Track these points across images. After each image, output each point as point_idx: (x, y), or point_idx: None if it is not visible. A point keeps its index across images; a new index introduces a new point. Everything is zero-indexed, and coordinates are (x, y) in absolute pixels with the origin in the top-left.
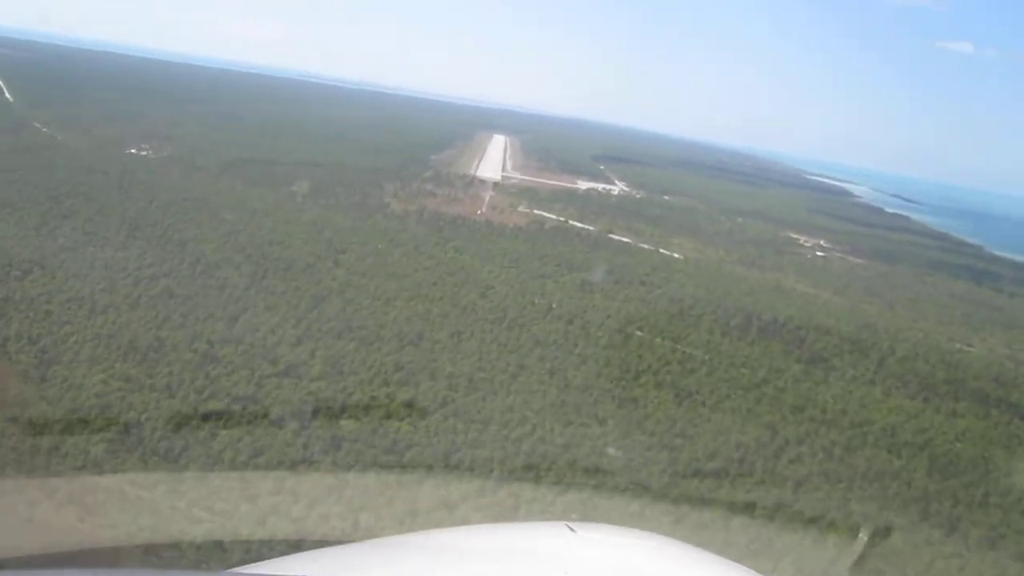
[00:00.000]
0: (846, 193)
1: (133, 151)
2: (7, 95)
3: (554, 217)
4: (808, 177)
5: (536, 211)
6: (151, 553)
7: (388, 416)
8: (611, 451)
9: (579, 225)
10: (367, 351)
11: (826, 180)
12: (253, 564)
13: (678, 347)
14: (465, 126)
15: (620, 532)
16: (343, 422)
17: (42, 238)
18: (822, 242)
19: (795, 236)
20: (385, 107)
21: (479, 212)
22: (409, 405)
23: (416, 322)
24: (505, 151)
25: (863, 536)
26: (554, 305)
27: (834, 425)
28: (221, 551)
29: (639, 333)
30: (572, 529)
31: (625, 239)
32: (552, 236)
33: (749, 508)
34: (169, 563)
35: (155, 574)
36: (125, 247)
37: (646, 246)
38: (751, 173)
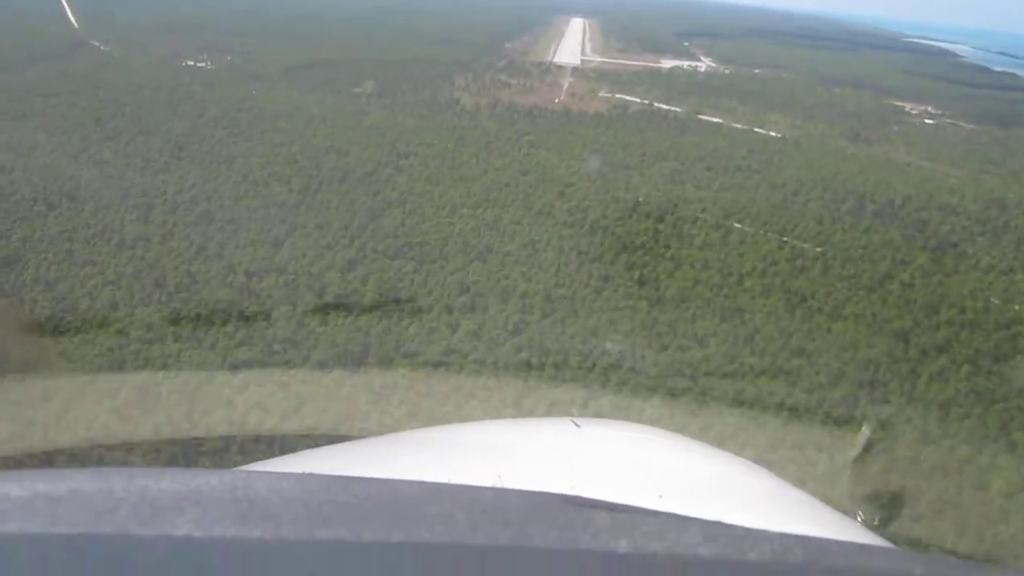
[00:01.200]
0: (948, 53)
1: (190, 63)
2: (70, 17)
3: (638, 100)
4: (904, 40)
5: (618, 95)
6: (159, 450)
7: (449, 351)
8: (717, 380)
9: (665, 107)
10: (428, 271)
11: (924, 41)
12: (259, 462)
13: (785, 241)
14: (540, 10)
15: (626, 427)
16: (394, 365)
17: (78, 166)
18: (929, 108)
19: (899, 104)
20: None
21: (557, 100)
22: (476, 335)
23: (485, 233)
24: (583, 34)
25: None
26: (641, 200)
27: (978, 327)
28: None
29: (738, 226)
30: (578, 425)
31: (716, 119)
32: (636, 121)
33: (890, 446)
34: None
35: (165, 471)
36: (166, 169)
37: (739, 126)
38: (843, 39)
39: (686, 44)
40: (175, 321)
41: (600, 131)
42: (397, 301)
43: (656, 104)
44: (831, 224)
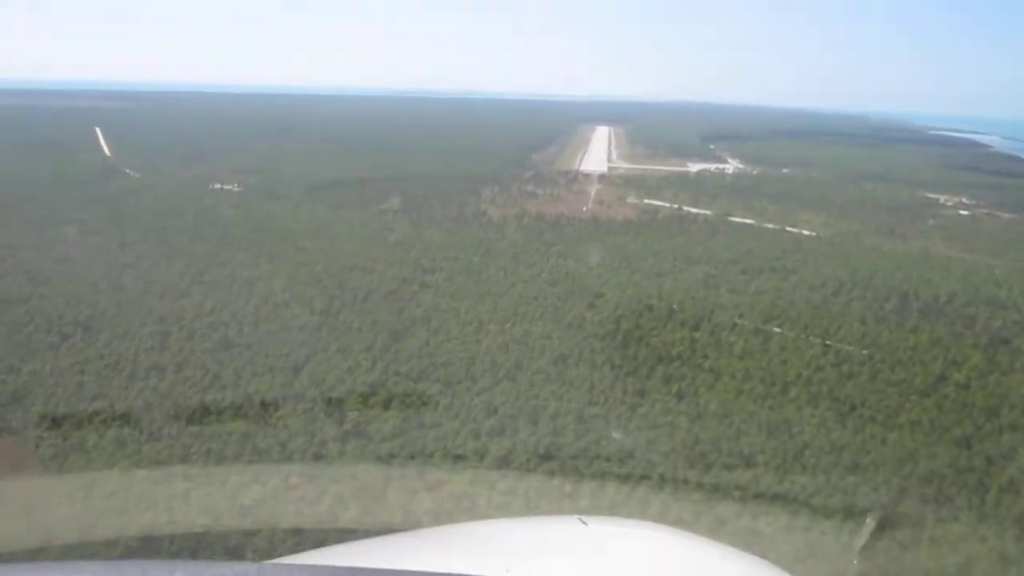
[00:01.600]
0: (975, 144)
1: (217, 186)
2: (103, 146)
3: (667, 205)
4: (929, 133)
5: (647, 200)
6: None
7: (476, 480)
8: (767, 504)
9: (694, 211)
10: (453, 393)
11: (950, 134)
12: (278, 558)
13: (828, 345)
14: (566, 120)
15: (631, 524)
16: (418, 491)
17: (96, 293)
18: (963, 199)
19: (932, 196)
20: (484, 114)
21: (584, 209)
22: (505, 461)
23: (513, 350)
24: (609, 141)
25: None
26: (675, 307)
27: None
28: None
29: (778, 331)
30: (584, 523)
31: (747, 220)
32: (666, 226)
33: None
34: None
35: (178, 564)
36: (186, 294)
37: (771, 226)
38: (868, 135)
39: (712, 147)
40: (184, 459)
41: (629, 238)
42: (421, 427)
43: (685, 208)
44: (876, 325)
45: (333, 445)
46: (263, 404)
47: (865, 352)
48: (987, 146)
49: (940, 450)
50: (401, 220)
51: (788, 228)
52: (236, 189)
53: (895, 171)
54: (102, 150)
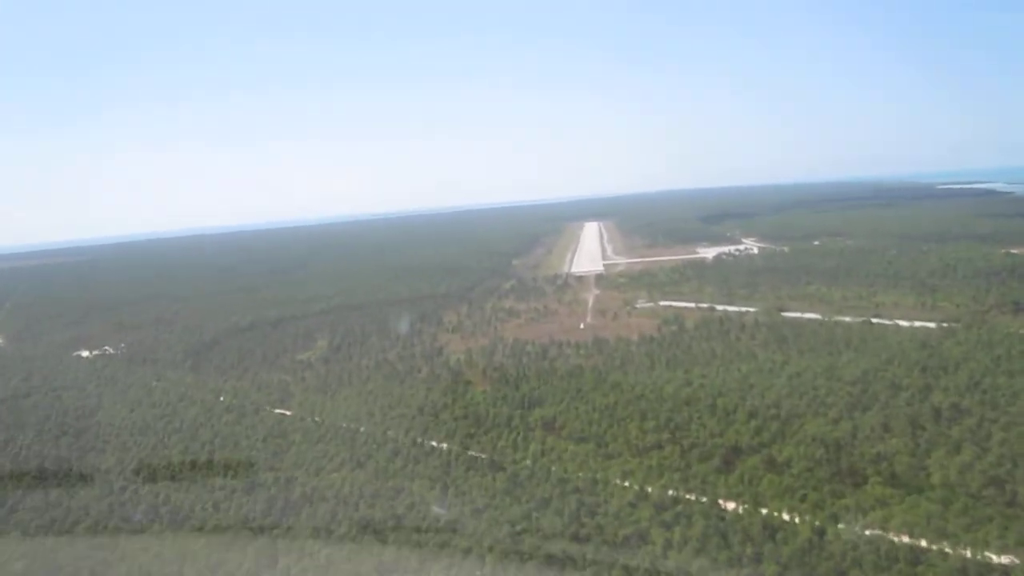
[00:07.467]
0: (994, 193)
1: (84, 354)
2: None
3: (692, 305)
4: (940, 187)
5: (663, 302)
6: None
7: None
8: None
9: (732, 309)
10: None
11: (960, 187)
12: None
13: None
14: (551, 219)
15: None
16: None
17: None
18: None
19: (1016, 251)
20: (454, 226)
21: (581, 325)
22: None
23: None
24: (601, 235)
25: None
26: (779, 540)
27: None
28: None
29: None
30: None
31: (810, 315)
32: (704, 339)
33: None
34: None
35: None
36: None
37: (848, 319)
38: (875, 197)
39: (718, 228)
40: None
41: (657, 372)
42: None
43: (718, 307)
44: None
45: None
46: None
47: None
48: (1005, 193)
49: None
50: (311, 380)
51: (877, 320)
52: (106, 353)
53: (943, 230)
54: None
